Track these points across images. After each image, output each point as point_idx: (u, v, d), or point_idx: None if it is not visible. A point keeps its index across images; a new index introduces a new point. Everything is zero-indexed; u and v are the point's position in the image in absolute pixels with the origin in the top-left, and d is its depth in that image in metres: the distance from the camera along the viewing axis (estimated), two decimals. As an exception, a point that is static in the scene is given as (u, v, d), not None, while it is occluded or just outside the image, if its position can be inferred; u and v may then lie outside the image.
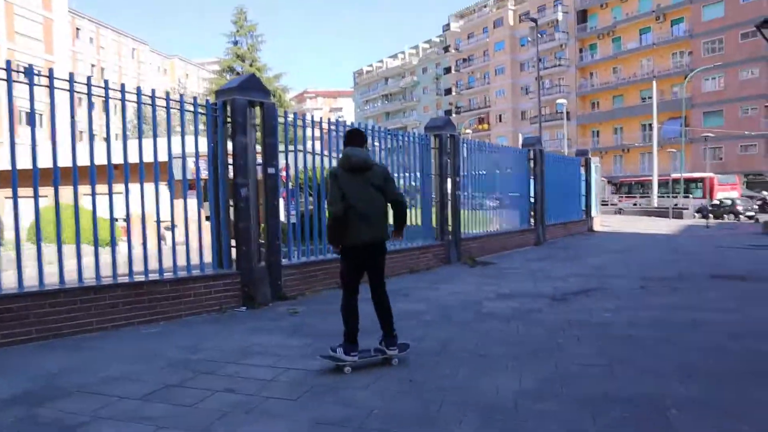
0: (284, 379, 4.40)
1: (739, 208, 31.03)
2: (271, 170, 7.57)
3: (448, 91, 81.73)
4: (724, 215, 31.49)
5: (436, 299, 7.84)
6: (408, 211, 8.32)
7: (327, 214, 5.28)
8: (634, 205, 40.75)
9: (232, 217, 7.26)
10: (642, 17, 55.28)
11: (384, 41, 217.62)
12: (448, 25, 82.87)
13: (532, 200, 15.68)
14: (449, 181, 11.94)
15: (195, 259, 6.98)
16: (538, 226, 15.77)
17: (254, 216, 7.32)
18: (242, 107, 7.18)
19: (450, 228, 11.86)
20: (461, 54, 78.81)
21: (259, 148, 7.54)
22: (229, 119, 7.22)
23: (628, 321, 6.32)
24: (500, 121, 72.02)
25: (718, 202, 32.62)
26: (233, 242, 7.27)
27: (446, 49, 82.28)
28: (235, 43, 38.89)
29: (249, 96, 7.30)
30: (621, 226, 24.19)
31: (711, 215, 30.18)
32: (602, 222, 23.81)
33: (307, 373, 4.53)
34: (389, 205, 4.68)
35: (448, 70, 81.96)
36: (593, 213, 21.05)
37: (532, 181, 15.67)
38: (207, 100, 7.42)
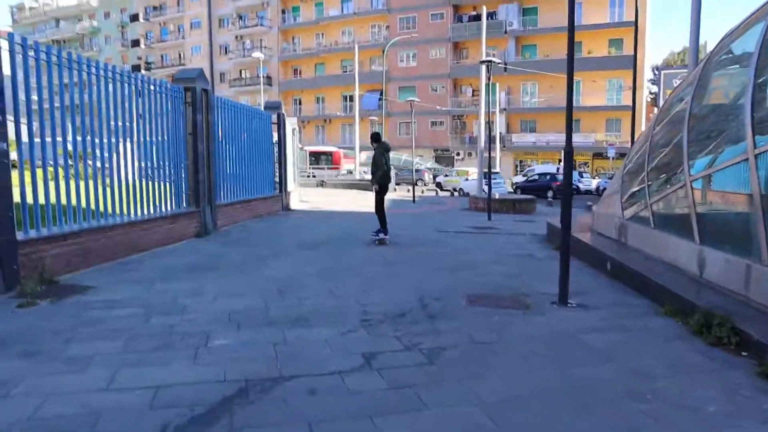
0: None
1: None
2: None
3: (135, 43, 69.88)
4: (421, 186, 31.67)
5: None
6: None
7: (380, 171, 9.79)
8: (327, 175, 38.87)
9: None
10: (344, -16, 53.70)
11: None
12: (135, -37, 70.54)
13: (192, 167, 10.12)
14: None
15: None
16: (204, 208, 10.30)
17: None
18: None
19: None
20: (151, 0, 67.88)
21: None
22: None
23: None
24: (209, 86, 63.86)
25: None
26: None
27: (133, -8, 70.12)
28: None
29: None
30: (322, 202, 20.29)
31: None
32: (301, 197, 19.57)
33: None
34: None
35: (135, 18, 69.97)
36: (290, 187, 16.49)
37: (192, 140, 10.09)
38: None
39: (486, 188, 18.15)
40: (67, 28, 77.68)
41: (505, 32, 45.67)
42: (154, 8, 68.12)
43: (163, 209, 9.18)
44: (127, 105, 8.34)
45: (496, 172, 28.64)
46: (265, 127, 14.52)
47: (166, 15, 66.77)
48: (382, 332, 4.47)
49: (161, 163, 9.28)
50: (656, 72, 48.99)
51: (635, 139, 20.47)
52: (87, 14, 76.82)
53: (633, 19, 39.50)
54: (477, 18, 40.26)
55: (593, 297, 5.82)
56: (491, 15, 45.42)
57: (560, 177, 31.66)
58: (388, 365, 3.73)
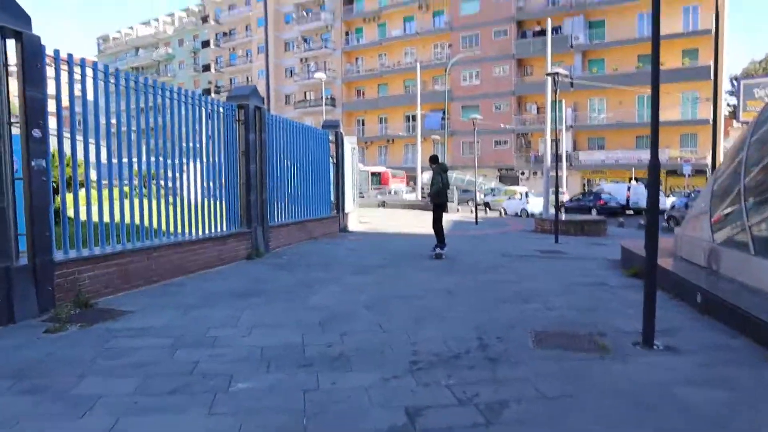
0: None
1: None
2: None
3: (206, 68, 72.71)
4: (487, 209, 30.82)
5: None
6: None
7: (434, 188, 10.62)
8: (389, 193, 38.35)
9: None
10: (407, 5, 53.73)
11: (134, 6, 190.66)
12: (207, -8, 73.59)
13: (245, 187, 9.84)
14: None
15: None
16: (256, 229, 9.99)
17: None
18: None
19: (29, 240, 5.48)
20: (221, 26, 70.56)
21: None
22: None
23: None
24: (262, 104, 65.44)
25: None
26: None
27: (204, 19, 73.04)
28: None
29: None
30: (382, 223, 19.84)
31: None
32: (361, 218, 19.19)
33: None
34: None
35: (206, 44, 72.85)
36: (348, 207, 16.10)
37: (245, 159, 9.82)
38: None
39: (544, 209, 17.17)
40: (145, 55, 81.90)
41: (571, 46, 44.22)
42: (224, 34, 70.70)
43: (213, 230, 8.91)
44: (185, 126, 8.16)
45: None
46: (322, 146, 14.21)
47: (235, 41, 69.18)
48: (432, 379, 3.84)
49: (212, 182, 9.05)
50: (735, 83, 46.11)
51: (717, 154, 18.98)
52: (163, 42, 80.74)
53: (708, 27, 37.61)
54: (542, 33, 39.04)
55: (683, 337, 4.96)
56: (556, 30, 44.18)
57: (605, 196, 30.16)
58: (435, 425, 3.09)
